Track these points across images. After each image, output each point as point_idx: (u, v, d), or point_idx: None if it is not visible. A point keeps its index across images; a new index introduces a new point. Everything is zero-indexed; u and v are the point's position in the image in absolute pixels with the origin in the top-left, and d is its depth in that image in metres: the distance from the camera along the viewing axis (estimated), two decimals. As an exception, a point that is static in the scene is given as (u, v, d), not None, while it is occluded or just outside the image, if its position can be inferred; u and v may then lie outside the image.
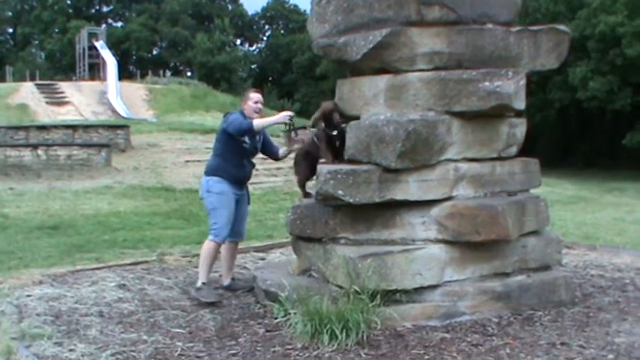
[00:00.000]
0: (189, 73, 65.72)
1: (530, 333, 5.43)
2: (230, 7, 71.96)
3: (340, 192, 5.50)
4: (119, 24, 72.54)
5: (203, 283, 6.65)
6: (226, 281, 7.16)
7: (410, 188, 5.60)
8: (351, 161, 5.84)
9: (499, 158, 6.05)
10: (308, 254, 6.27)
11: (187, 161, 17.32)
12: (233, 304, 6.55)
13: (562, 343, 5.18)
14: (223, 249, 7.03)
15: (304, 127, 7.44)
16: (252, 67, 69.29)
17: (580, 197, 18.84)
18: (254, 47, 73.94)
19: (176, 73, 65.72)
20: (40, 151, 16.68)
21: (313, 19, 6.32)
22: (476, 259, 5.87)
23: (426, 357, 4.97)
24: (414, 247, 5.67)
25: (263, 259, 8.77)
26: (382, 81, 5.80)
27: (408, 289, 5.59)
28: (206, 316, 6.11)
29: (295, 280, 6.17)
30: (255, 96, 6.68)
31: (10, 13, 70.21)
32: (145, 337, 5.47)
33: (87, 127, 18.71)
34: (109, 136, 18.17)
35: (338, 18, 6.03)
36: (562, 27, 6.29)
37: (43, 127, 18.64)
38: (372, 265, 5.42)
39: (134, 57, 69.20)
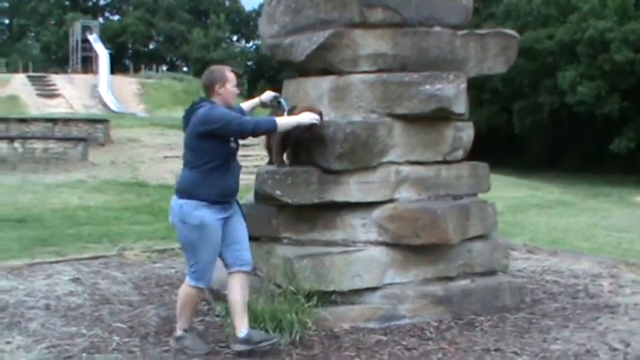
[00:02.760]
0: (185, 69, 65.75)
1: (468, 338, 5.42)
2: (227, 3, 71.89)
3: (278, 192, 5.49)
4: (116, 17, 72.47)
5: (184, 330, 5.17)
6: (243, 331, 5.03)
7: (350, 190, 5.60)
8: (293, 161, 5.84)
9: (445, 162, 6.03)
10: (253, 253, 6.25)
11: (166, 157, 17.32)
12: (181, 300, 6.55)
13: (496, 349, 5.17)
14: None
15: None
16: (249, 63, 69.20)
17: (560, 202, 18.81)
18: (250, 44, 73.86)
19: (172, 68, 65.77)
20: (17, 144, 16.69)
21: (264, 19, 6.33)
22: (419, 262, 5.85)
23: (357, 359, 4.97)
24: (353, 249, 5.66)
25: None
26: (326, 82, 5.80)
27: (347, 290, 5.58)
28: (151, 312, 6.10)
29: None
30: (233, 77, 5.06)
31: (6, 4, 70.04)
32: (84, 331, 5.47)
33: (67, 120, 18.71)
34: (89, 130, 18.13)
35: (286, 19, 6.03)
36: (510, 31, 6.30)
37: (23, 120, 18.63)
38: (308, 265, 5.42)
39: (130, 51, 69.14)
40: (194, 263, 5.01)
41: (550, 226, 13.05)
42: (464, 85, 5.64)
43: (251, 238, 6.15)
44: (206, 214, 4.86)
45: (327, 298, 5.49)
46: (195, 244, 4.94)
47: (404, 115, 5.64)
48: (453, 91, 5.52)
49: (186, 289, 5.09)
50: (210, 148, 4.86)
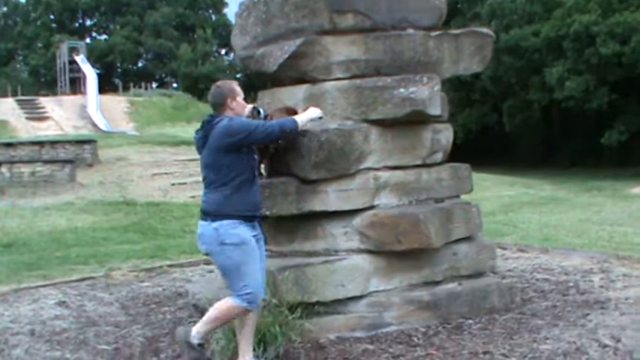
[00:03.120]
0: (174, 85, 65.74)
1: (456, 342, 5.34)
2: (213, 17, 71.90)
3: (257, 205, 5.42)
4: (103, 37, 72.44)
5: (200, 345, 4.93)
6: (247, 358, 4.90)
7: (329, 199, 5.53)
8: (270, 173, 5.78)
9: (424, 165, 5.96)
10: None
11: (154, 174, 17.27)
12: (167, 318, 6.47)
13: (485, 352, 5.09)
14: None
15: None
16: (237, 76, 69.07)
17: (553, 198, 18.80)
18: (239, 56, 73.65)
19: (162, 84, 65.76)
20: (4, 169, 16.60)
21: (236, 31, 6.26)
22: (403, 268, 5.79)
23: (344, 369, 4.91)
24: (336, 258, 5.59)
25: (212, 271, 8.69)
26: (301, 91, 5.75)
27: (331, 300, 5.51)
28: (136, 332, 6.02)
29: (224, 293, 6.07)
30: (241, 90, 4.94)
31: (-8, 29, 70.05)
32: (68, 355, 5.41)
33: (53, 143, 18.64)
34: (76, 152, 18.07)
35: (257, 29, 5.97)
36: (484, 30, 6.23)
37: (9, 145, 18.54)
38: (290, 277, 5.35)
39: (119, 70, 69.15)
40: (244, 285, 4.69)
41: (542, 224, 13.02)
42: (438, 87, 5.57)
43: (233, 252, 6.14)
44: (243, 231, 4.70)
45: (311, 309, 5.42)
46: (240, 263, 4.68)
47: (379, 120, 5.57)
48: (426, 93, 5.45)
49: (231, 306, 4.76)
50: (236, 163, 4.69)
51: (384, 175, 5.71)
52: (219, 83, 4.90)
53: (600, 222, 13.35)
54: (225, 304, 4.78)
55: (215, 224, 4.65)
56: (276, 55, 5.67)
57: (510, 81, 34.98)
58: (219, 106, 4.78)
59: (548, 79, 31.03)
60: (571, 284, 7.14)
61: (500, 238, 10.69)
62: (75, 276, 8.59)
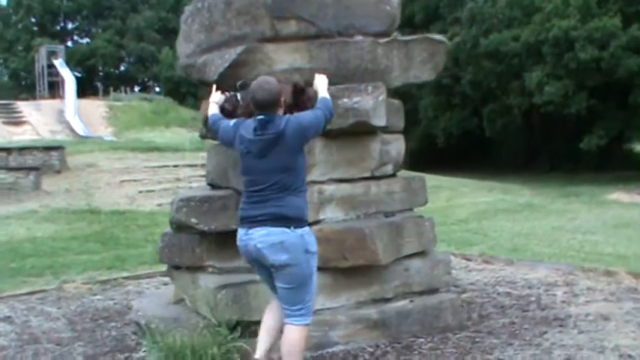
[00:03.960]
0: (157, 89, 65.41)
1: (404, 363, 5.14)
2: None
3: (194, 220, 5.21)
4: (85, 40, 71.97)
5: None
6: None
7: (271, 213, 5.29)
8: (212, 186, 5.55)
9: (373, 177, 5.74)
10: (179, 283, 5.98)
11: (122, 181, 16.99)
12: (112, 335, 6.24)
13: (433, 373, 4.90)
14: (272, 319, 4.73)
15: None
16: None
17: (529, 205, 18.63)
18: (222, 60, 73.41)
19: (144, 88, 65.42)
20: (-33, 177, 16.31)
21: (181, 38, 6.06)
22: (350, 285, 5.56)
23: (285, 391, 4.67)
24: (279, 276, 5.35)
25: (167, 283, 8.45)
26: (243, 100, 5.50)
27: (274, 320, 5.28)
28: (78, 350, 5.79)
29: (167, 310, 5.90)
30: None
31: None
32: (-2, 377, 5.19)
33: (21, 149, 18.31)
34: (44, 158, 17.77)
35: (201, 36, 5.75)
36: (437, 36, 6.01)
37: (-25, 152, 18.24)
38: (230, 295, 5.14)
39: (101, 73, 68.73)
40: (308, 300, 4.51)
41: (514, 232, 12.85)
42: (383, 97, 5.35)
43: (176, 268, 5.93)
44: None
45: (252, 328, 5.19)
46: (314, 272, 4.52)
47: (324, 132, 5.34)
48: (371, 103, 5.22)
49: (300, 333, 4.50)
50: (303, 164, 4.49)
51: (329, 188, 5.49)
52: (266, 81, 4.44)
53: (573, 230, 13.19)
54: (294, 337, 4.49)
55: (300, 231, 4.35)
56: (216, 64, 5.43)
57: (490, 85, 34.87)
58: (275, 104, 4.38)
59: (528, 83, 30.95)
60: (533, 299, 6.95)
61: (468, 248, 10.52)
62: (26, 289, 8.33)
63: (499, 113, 35.80)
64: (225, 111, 4.98)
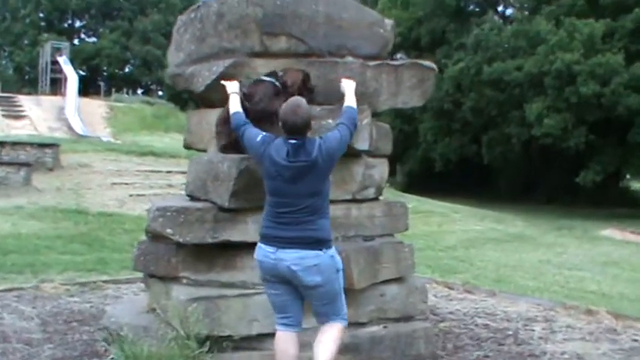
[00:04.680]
0: (160, 93, 65.45)
1: (371, 389, 5.09)
2: (204, 27, 71.67)
3: (169, 230, 5.16)
4: (91, 39, 72.04)
5: None
6: None
7: (249, 229, 5.25)
8: (191, 198, 5.51)
9: (354, 200, 5.69)
10: (153, 292, 5.93)
11: (114, 183, 16.91)
12: (83, 339, 6.19)
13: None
14: (290, 343, 4.73)
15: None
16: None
17: (519, 236, 18.59)
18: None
19: (147, 92, 65.47)
20: (-40, 169, 16.20)
21: (172, 47, 6.05)
22: (324, 306, 5.49)
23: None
24: (252, 292, 5.30)
25: (146, 291, 8.38)
26: (228, 114, 5.47)
27: (244, 336, 5.23)
28: (46, 352, 5.74)
29: (138, 318, 5.84)
30: None
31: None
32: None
33: (14, 144, 18.19)
34: (37, 155, 17.67)
35: (192, 47, 5.73)
36: (426, 63, 5.97)
37: (-32, 144, 18.14)
38: (201, 308, 5.07)
39: (105, 73, 68.75)
40: (342, 308, 4.78)
41: (500, 263, 12.79)
42: (367, 120, 5.31)
43: (151, 276, 5.87)
44: None
45: (222, 344, 5.14)
46: (342, 288, 4.75)
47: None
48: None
49: (341, 332, 4.77)
50: (329, 187, 4.67)
51: (307, 207, 5.44)
52: (297, 105, 4.47)
53: (560, 265, 13.14)
54: (337, 331, 4.73)
55: (330, 252, 4.53)
56: (204, 76, 5.41)
57: (491, 113, 34.81)
58: (306, 129, 4.48)
59: (528, 114, 30.92)
60: (510, 332, 6.89)
61: (453, 276, 10.47)
62: (3, 285, 8.26)
63: (498, 142, 35.73)
64: (246, 97, 5.04)
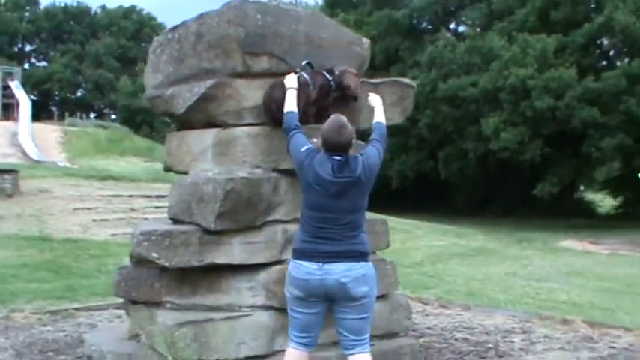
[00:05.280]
0: (113, 116, 64.94)
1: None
2: (157, 50, 71.40)
3: (155, 254, 5.07)
4: (42, 63, 71.29)
5: None
6: None
7: (234, 251, 5.20)
8: (174, 221, 5.43)
9: (337, 219, 5.68)
10: (136, 318, 5.82)
11: (76, 209, 16.66)
12: (61, 367, 6.06)
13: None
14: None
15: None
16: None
17: (483, 250, 18.77)
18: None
19: (100, 115, 64.93)
20: None
21: (149, 68, 5.97)
22: (311, 326, 5.46)
23: None
24: (239, 314, 5.25)
25: (120, 316, 8.23)
26: (210, 135, 5.42)
27: (232, 359, 5.16)
28: (21, 382, 5.60)
29: (121, 345, 5.73)
30: None
31: None
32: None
33: (-28, 171, 17.91)
34: (-5, 181, 17.41)
35: (170, 68, 5.68)
36: (406, 80, 6.03)
37: None
38: (189, 333, 5.00)
39: (57, 98, 68.05)
40: (370, 327, 4.71)
41: (469, 277, 12.86)
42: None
43: (133, 302, 5.77)
44: None
45: (210, 368, 5.08)
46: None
47: (290, 171, 5.27)
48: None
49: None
50: (367, 203, 4.68)
51: (293, 228, 5.38)
52: (340, 125, 4.51)
53: (527, 277, 13.27)
54: None
55: (368, 265, 4.55)
56: (185, 97, 5.36)
57: (447, 129, 35.26)
58: (350, 147, 4.56)
59: (484, 129, 31.36)
60: (490, 345, 6.91)
61: (425, 291, 10.48)
62: (-28, 318, 8.03)
63: (455, 157, 36.15)
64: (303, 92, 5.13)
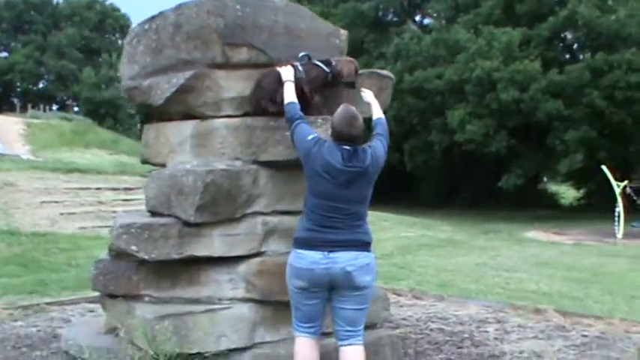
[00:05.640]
0: (75, 108, 64.16)
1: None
2: (120, 41, 70.73)
3: (134, 247, 5.02)
4: (3, 54, 70.17)
5: None
6: None
7: (214, 243, 5.17)
8: (153, 213, 5.38)
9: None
10: (113, 312, 5.75)
11: (43, 202, 16.41)
12: (38, 364, 5.96)
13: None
14: (314, 349, 4.76)
15: None
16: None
17: (450, 241, 18.89)
18: (144, 83, 72.62)
19: (62, 107, 64.10)
20: None
21: (124, 59, 5.88)
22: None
23: None
24: (219, 307, 5.23)
25: (93, 311, 8.14)
26: (188, 127, 5.37)
27: (213, 352, 5.13)
28: (0, 381, 5.53)
29: (99, 339, 5.67)
30: None
31: None
32: None
33: None
34: (-41, 175, 17.10)
35: (147, 59, 5.60)
36: (385, 72, 6.02)
37: None
38: (169, 326, 4.96)
39: (18, 89, 67.09)
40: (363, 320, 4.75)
41: (439, 268, 12.94)
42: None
43: (110, 296, 5.71)
44: None
45: (191, 360, 5.05)
46: None
47: (270, 162, 5.26)
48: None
49: (363, 352, 4.68)
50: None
51: (273, 220, 5.39)
52: (352, 116, 4.59)
53: (497, 267, 13.38)
54: (364, 356, 4.67)
55: (372, 255, 4.65)
56: (163, 88, 5.31)
57: (413, 121, 35.35)
58: (360, 138, 4.63)
59: (450, 121, 31.51)
60: (466, 335, 6.98)
61: (396, 283, 10.53)
62: (-60, 314, 7.88)
63: (420, 149, 36.26)
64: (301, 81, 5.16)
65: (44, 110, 49.00)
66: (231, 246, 5.23)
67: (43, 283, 9.87)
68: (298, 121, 4.76)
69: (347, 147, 4.52)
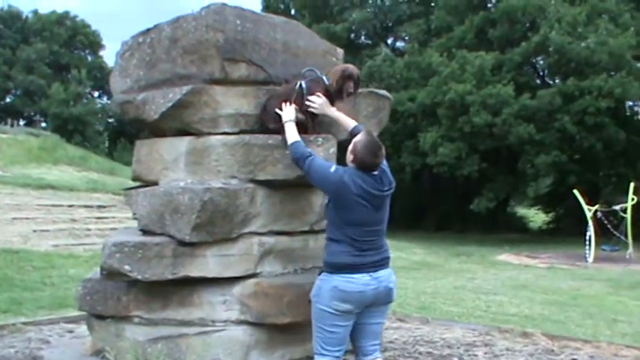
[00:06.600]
0: (43, 124, 63.37)
1: None
2: (89, 58, 70.26)
3: (127, 267, 4.87)
4: (-31, 69, 69.28)
5: None
6: None
7: (208, 264, 5.04)
8: (145, 232, 5.23)
9: (312, 231, 5.55)
10: (100, 333, 5.57)
11: (14, 218, 16.07)
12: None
13: None
14: None
15: None
16: (110, 120, 67.41)
17: (425, 263, 18.85)
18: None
19: (30, 123, 63.22)
20: None
21: (116, 72, 5.74)
22: (286, 341, 5.35)
23: None
24: (212, 329, 5.10)
25: (72, 331, 7.91)
26: (183, 143, 5.24)
27: (206, 376, 4.99)
28: (-21, 406, 5.31)
29: (85, 361, 5.51)
30: None
31: None
32: None
33: None
34: None
35: (140, 72, 5.48)
36: (382, 92, 5.96)
37: None
38: (163, 349, 4.83)
39: (-16, 104, 66.19)
40: None
41: (418, 290, 12.84)
42: (334, 149, 5.21)
43: (98, 317, 5.54)
44: None
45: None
46: None
47: (268, 181, 5.14)
48: (321, 155, 5.05)
49: None
50: None
51: (270, 240, 5.26)
52: (376, 146, 4.66)
53: (475, 290, 13.33)
54: None
55: (393, 272, 4.74)
56: (158, 103, 5.17)
57: (384, 143, 35.24)
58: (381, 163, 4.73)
59: (422, 143, 31.57)
60: (455, 359, 6.87)
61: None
62: None
63: (392, 171, 36.16)
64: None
65: (11, 125, 48.26)
66: (226, 266, 5.09)
67: (17, 302, 9.58)
68: (311, 157, 4.70)
69: (374, 173, 4.59)
